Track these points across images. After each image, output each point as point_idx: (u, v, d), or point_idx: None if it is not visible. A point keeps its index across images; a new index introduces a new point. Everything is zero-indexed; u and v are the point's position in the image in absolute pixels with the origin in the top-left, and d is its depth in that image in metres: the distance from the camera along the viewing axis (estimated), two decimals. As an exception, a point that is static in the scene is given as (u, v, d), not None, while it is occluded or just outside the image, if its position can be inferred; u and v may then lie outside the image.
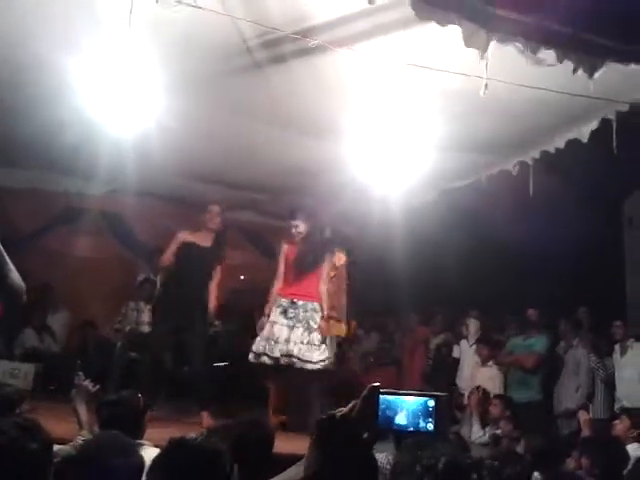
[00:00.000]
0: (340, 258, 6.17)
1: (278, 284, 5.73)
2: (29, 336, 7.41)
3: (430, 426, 1.39)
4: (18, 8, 3.59)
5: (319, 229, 5.86)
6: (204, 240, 5.77)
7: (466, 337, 7.54)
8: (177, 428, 4.74)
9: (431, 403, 1.40)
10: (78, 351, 7.36)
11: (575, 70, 3.60)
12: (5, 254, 2.43)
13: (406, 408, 1.40)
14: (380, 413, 1.40)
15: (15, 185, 6.86)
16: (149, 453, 2.86)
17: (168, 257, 5.77)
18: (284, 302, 5.64)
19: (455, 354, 7.66)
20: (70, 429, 3.41)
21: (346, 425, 1.45)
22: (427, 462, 1.92)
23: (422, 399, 1.41)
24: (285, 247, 5.82)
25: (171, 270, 5.85)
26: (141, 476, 2.33)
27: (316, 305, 5.66)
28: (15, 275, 2.44)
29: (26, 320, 7.36)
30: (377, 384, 1.45)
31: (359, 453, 1.41)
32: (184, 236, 5.79)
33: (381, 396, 1.42)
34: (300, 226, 5.70)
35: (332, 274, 6.05)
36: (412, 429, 1.41)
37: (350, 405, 1.54)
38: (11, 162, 5.96)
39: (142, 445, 2.99)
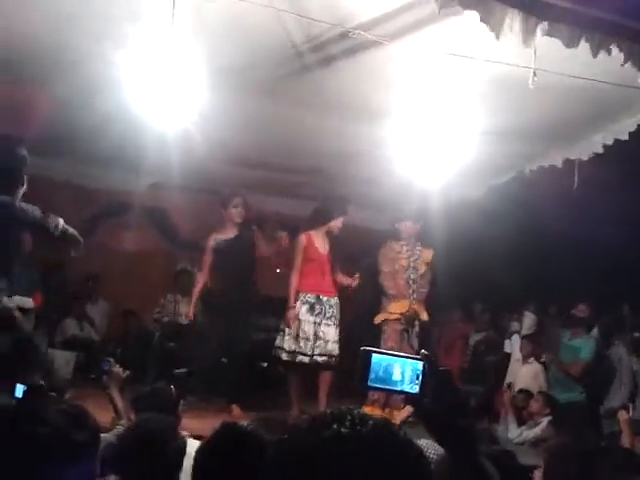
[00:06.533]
0: (429, 254, 5.99)
1: (297, 277, 5.56)
2: (69, 325, 7.52)
3: (415, 388, 1.38)
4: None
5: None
6: (232, 235, 5.77)
7: (517, 332, 7.41)
8: (211, 419, 4.76)
9: (419, 366, 1.40)
10: (118, 340, 7.46)
11: (625, 61, 3.49)
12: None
13: (398, 369, 1.41)
14: (373, 374, 1.40)
15: (58, 177, 6.93)
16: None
17: (205, 262, 5.80)
18: (310, 298, 5.50)
19: (507, 349, 7.54)
20: (110, 417, 3.44)
21: None
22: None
23: (413, 361, 1.41)
24: (304, 239, 5.64)
25: (215, 269, 5.87)
26: (182, 458, 2.34)
27: (337, 300, 5.61)
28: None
29: (67, 309, 7.48)
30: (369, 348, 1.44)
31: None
32: (215, 237, 5.80)
33: (375, 355, 1.42)
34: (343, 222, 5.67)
35: (422, 269, 5.91)
36: (399, 389, 1.41)
37: None
38: (56, 153, 6.03)
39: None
